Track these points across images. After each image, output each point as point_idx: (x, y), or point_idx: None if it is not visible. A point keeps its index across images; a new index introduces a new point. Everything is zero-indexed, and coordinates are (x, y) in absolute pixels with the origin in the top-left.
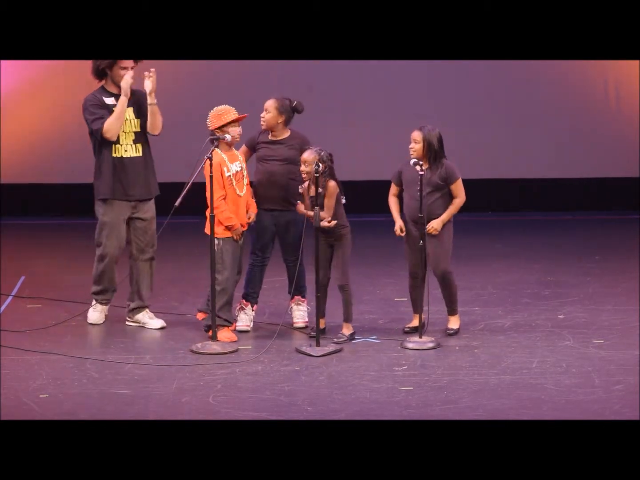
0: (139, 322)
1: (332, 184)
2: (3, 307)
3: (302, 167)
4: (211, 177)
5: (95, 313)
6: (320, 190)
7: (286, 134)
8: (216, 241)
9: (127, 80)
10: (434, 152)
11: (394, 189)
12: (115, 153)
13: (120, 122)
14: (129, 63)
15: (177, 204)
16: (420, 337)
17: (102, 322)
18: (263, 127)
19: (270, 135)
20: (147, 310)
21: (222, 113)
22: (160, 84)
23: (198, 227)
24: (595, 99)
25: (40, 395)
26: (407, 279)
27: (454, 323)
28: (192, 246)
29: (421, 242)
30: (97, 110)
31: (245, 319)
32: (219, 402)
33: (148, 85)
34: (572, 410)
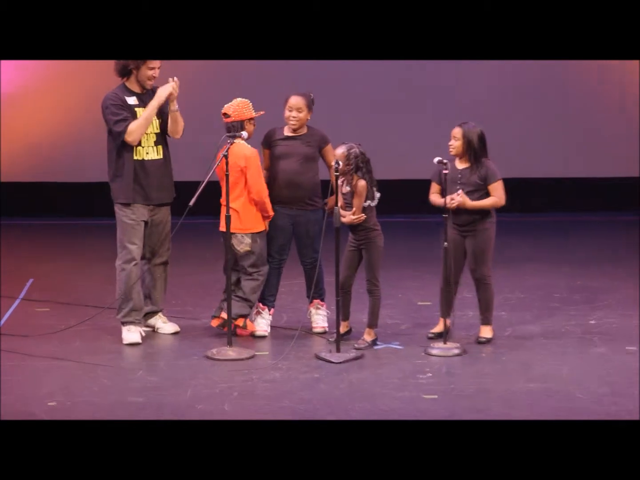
0: (151, 327)
1: (361, 183)
2: (11, 310)
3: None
4: (227, 175)
5: (131, 334)
6: (348, 188)
7: (305, 130)
8: (250, 239)
9: (167, 88)
10: (473, 151)
11: (434, 188)
12: (136, 156)
13: (146, 128)
14: (156, 63)
15: (191, 203)
16: (445, 342)
17: (140, 341)
18: (294, 127)
19: (287, 131)
20: (160, 314)
21: (247, 106)
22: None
23: (212, 227)
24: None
25: (49, 404)
26: (433, 282)
27: (486, 332)
28: (206, 248)
29: (445, 243)
30: (119, 111)
31: (262, 323)
32: (235, 410)
33: (168, 91)
34: (604, 418)
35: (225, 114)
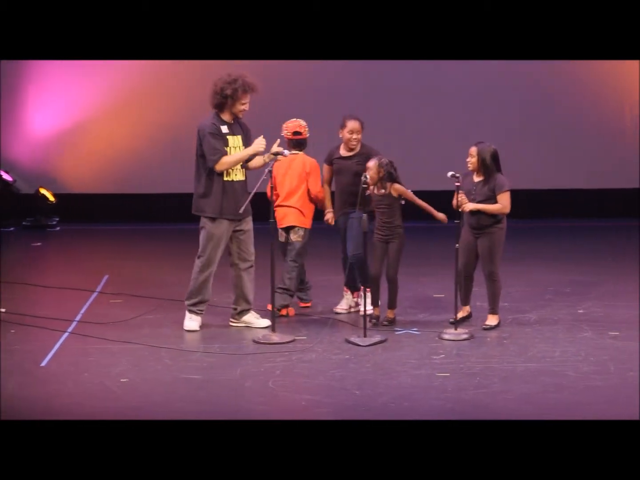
0: (246, 323)
1: (396, 185)
2: (89, 301)
3: (366, 173)
4: (272, 187)
5: (192, 322)
6: (382, 190)
7: (359, 148)
8: (303, 231)
9: (262, 144)
10: (486, 167)
11: (456, 195)
12: (227, 177)
13: (234, 166)
14: (247, 98)
15: (240, 210)
16: (456, 329)
17: (198, 329)
18: (354, 147)
19: (344, 150)
20: (252, 311)
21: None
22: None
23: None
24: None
25: (121, 380)
26: (446, 277)
27: (492, 320)
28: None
29: (457, 245)
30: (216, 142)
31: (344, 303)
32: (278, 386)
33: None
34: (590, 394)
35: (297, 132)
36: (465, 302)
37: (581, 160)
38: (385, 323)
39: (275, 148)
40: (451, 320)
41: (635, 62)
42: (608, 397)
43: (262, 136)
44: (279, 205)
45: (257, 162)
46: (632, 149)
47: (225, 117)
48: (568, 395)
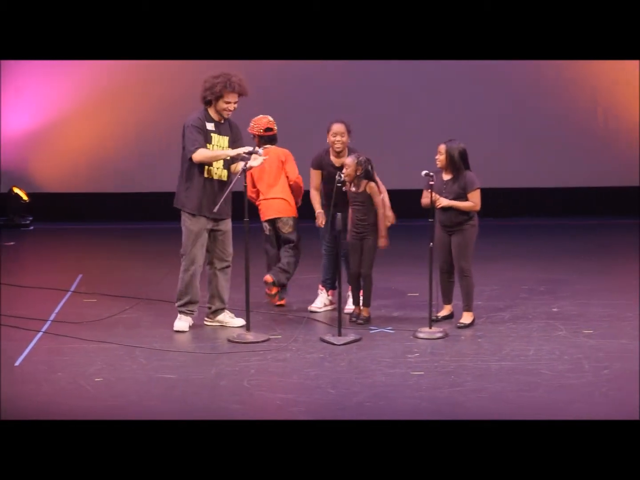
0: (221, 322)
1: (371, 184)
2: (63, 301)
3: (344, 170)
4: (245, 186)
5: (182, 323)
6: (353, 189)
7: (346, 152)
8: (292, 220)
9: (247, 149)
10: (454, 164)
11: (425, 194)
12: (207, 175)
13: (212, 160)
14: (231, 98)
15: (215, 210)
16: (430, 327)
17: (187, 330)
18: (339, 149)
19: (334, 157)
20: (226, 311)
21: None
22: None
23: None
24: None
25: (96, 379)
26: (419, 276)
27: (466, 318)
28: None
29: (431, 244)
30: (197, 135)
31: (319, 301)
32: (253, 385)
33: (251, 162)
34: (564, 392)
35: (269, 128)
36: (447, 300)
37: (556, 160)
38: (360, 322)
39: (248, 148)
40: (434, 317)
41: (607, 62)
42: (582, 395)
43: (262, 151)
44: (263, 199)
45: (239, 167)
46: (602, 149)
47: (213, 114)
48: (542, 393)
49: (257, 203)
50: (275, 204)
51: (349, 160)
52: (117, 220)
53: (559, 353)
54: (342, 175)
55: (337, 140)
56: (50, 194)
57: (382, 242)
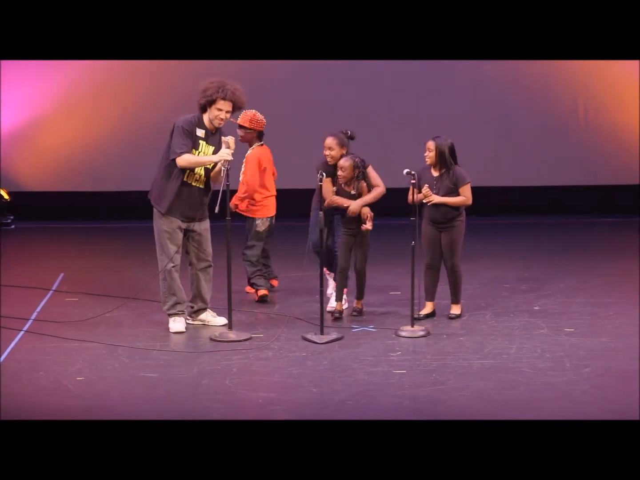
0: (203, 321)
1: (363, 183)
2: (45, 300)
3: (339, 172)
4: (228, 185)
5: (176, 324)
6: (353, 192)
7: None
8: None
9: (225, 156)
10: (444, 160)
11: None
12: (186, 178)
13: (195, 166)
14: (224, 106)
15: (217, 210)
16: (412, 326)
17: (184, 330)
18: (330, 162)
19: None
20: (208, 310)
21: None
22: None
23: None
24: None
25: (77, 378)
26: (401, 275)
27: (456, 309)
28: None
29: (413, 242)
30: (186, 139)
31: (331, 287)
32: (235, 384)
33: (225, 158)
34: (546, 390)
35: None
36: (430, 297)
37: (541, 158)
38: (355, 313)
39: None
40: (416, 316)
41: (586, 62)
42: (564, 393)
43: (233, 139)
44: (270, 196)
45: (219, 174)
46: (582, 146)
47: (206, 122)
48: (524, 391)
49: (259, 200)
50: (274, 200)
51: (346, 164)
52: (98, 219)
53: (540, 351)
54: (324, 174)
55: (327, 154)
56: (32, 192)
57: (354, 207)
